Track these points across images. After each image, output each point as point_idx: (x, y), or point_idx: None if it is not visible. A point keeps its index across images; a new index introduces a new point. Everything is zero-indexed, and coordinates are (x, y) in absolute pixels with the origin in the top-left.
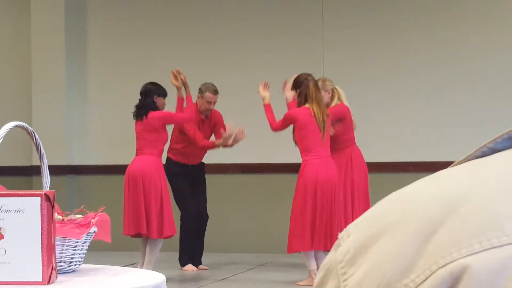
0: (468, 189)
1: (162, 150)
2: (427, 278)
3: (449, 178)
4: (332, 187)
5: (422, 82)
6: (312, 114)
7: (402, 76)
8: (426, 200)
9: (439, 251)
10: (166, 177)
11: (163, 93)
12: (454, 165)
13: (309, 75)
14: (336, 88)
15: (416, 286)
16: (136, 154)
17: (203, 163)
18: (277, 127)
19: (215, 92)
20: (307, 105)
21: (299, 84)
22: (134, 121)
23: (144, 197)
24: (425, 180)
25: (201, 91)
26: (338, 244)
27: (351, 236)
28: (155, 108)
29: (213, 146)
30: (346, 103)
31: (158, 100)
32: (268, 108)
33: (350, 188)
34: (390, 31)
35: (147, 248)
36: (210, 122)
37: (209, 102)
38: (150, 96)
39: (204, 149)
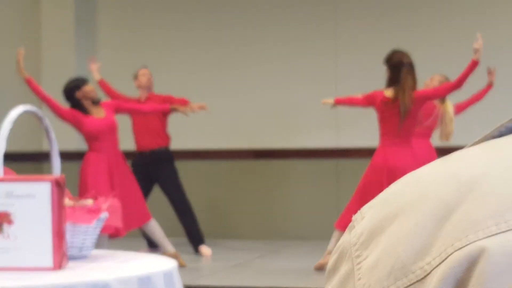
0: (484, 169)
1: (89, 147)
2: (443, 261)
3: (464, 159)
4: (386, 176)
5: (439, 67)
6: (387, 101)
7: (417, 63)
8: (441, 181)
9: (455, 233)
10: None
11: (79, 82)
12: (470, 146)
13: (403, 56)
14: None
15: (431, 269)
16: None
17: (165, 149)
18: (358, 102)
19: (142, 68)
20: (388, 92)
21: (390, 63)
22: None
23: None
24: (440, 161)
25: (134, 77)
26: (352, 226)
27: (365, 218)
28: (80, 105)
29: (161, 107)
30: (449, 111)
31: (80, 92)
32: (339, 101)
33: None
34: (405, 20)
35: None
36: (156, 101)
37: (142, 75)
38: (70, 96)
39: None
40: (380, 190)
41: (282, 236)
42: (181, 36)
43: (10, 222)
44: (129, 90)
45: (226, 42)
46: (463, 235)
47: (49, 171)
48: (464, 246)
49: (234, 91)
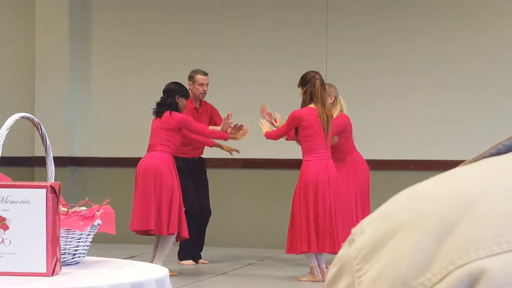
0: (484, 188)
1: (174, 150)
2: (444, 278)
3: (464, 176)
4: (333, 188)
5: (425, 80)
6: (317, 114)
7: (406, 73)
8: (441, 198)
9: (456, 251)
10: (177, 174)
11: (185, 94)
12: (467, 163)
13: (316, 73)
14: (339, 98)
15: (432, 285)
16: (148, 150)
17: (203, 158)
18: (281, 132)
19: (205, 73)
20: (312, 105)
21: (305, 82)
22: (153, 116)
23: (154, 194)
24: (439, 178)
25: (191, 77)
26: (351, 239)
27: (365, 232)
28: (176, 108)
29: (221, 134)
30: (346, 113)
31: (180, 101)
32: (268, 134)
33: (355, 194)
34: (395, 28)
35: (159, 244)
36: (206, 113)
37: (201, 84)
38: (173, 95)
39: (209, 137)
40: (315, 204)
41: (270, 245)
42: (175, 36)
43: (5, 227)
44: (124, 89)
45: (219, 47)
46: (464, 253)
47: (40, 175)
48: (465, 264)
49: (224, 98)
